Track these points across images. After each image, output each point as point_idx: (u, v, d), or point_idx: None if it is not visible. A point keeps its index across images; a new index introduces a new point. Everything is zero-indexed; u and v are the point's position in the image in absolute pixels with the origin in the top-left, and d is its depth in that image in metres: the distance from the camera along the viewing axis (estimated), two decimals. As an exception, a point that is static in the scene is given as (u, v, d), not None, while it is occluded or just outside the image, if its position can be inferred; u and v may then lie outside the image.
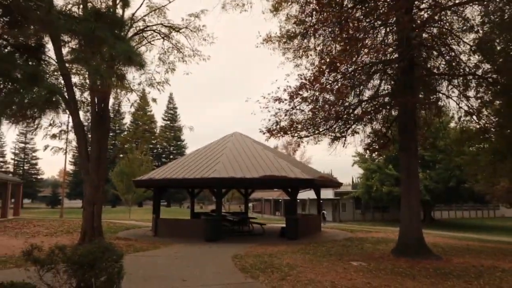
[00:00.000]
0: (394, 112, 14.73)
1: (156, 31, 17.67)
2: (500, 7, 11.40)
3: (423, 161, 36.24)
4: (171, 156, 74.04)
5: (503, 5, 11.34)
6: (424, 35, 12.89)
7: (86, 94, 15.80)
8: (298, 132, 12.47)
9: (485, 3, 11.71)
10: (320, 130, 12.70)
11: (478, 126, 14.79)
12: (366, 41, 12.38)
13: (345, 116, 12.79)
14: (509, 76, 11.67)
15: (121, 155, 42.02)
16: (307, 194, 38.41)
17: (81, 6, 14.28)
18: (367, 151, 15.27)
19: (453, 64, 13.22)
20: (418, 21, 12.50)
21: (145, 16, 17.23)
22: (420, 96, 13.78)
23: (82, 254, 5.69)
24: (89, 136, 15.94)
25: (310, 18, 13.74)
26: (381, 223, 37.54)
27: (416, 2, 13.17)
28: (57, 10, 7.49)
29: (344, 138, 13.58)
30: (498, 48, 12.31)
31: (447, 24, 12.98)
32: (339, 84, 12.24)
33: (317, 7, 12.86)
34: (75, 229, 19.61)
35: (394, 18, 12.02)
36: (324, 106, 11.97)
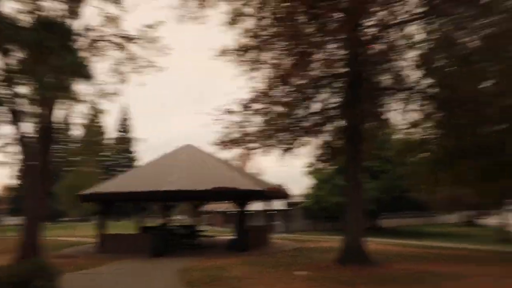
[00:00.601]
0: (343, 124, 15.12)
1: (110, 41, 17.16)
2: (439, 28, 12.13)
3: (372, 171, 37.40)
4: (123, 169, 71.78)
5: (441, 25, 12.08)
6: (370, 51, 13.39)
7: (32, 105, 15.00)
8: (249, 144, 12.50)
9: (424, 23, 12.40)
10: (270, 141, 12.79)
11: (420, 138, 15.51)
12: (317, 55, 12.71)
13: (295, 127, 12.98)
14: (448, 91, 12.39)
15: (68, 168, 40.25)
16: (259, 206, 38.44)
17: (31, 15, 13.64)
18: (317, 161, 15.56)
19: (398, 79, 13.82)
20: (367, 38, 13.00)
21: (99, 26, 16.69)
22: (367, 109, 14.24)
23: (14, 274, 5.31)
24: (35, 148, 15.10)
25: (265, 32, 13.91)
26: (331, 233, 38.16)
27: (363, 20, 13.70)
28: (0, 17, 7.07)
29: (294, 150, 13.75)
30: (438, 64, 13.05)
31: (392, 41, 13.57)
32: (291, 97, 12.44)
33: (271, 22, 13.04)
34: (13, 247, 18.37)
35: (343, 35, 12.42)
36: (275, 118, 12.11)
